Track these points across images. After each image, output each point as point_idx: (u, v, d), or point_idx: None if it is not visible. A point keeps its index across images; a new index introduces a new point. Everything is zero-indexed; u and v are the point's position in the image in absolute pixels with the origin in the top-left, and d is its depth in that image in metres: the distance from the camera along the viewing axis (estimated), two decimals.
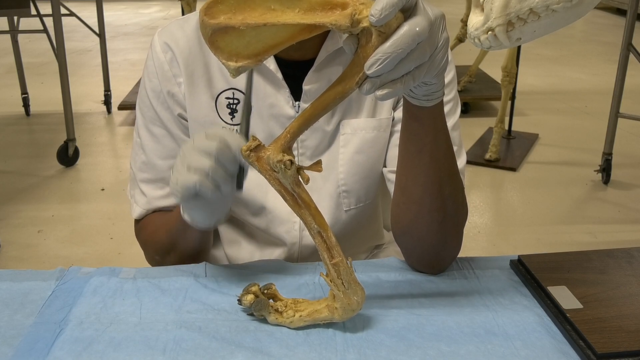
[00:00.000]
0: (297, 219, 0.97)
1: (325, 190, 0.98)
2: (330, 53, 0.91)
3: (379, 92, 0.65)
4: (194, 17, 0.97)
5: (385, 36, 0.62)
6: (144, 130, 0.98)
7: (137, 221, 1.03)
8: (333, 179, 0.97)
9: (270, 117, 0.95)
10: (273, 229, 0.99)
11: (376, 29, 0.62)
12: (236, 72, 0.66)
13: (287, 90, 0.93)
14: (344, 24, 0.62)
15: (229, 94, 0.95)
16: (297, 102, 0.94)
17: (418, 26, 0.62)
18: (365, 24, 0.62)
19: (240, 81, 0.93)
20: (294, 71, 0.93)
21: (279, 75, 0.92)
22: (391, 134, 0.99)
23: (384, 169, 0.99)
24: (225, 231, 1.06)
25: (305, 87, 0.93)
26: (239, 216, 1.01)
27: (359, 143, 0.96)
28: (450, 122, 0.92)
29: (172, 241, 0.94)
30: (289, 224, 0.98)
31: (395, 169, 0.94)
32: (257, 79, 0.93)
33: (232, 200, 0.86)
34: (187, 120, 0.97)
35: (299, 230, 0.99)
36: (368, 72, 0.63)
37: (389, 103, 0.98)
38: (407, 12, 0.63)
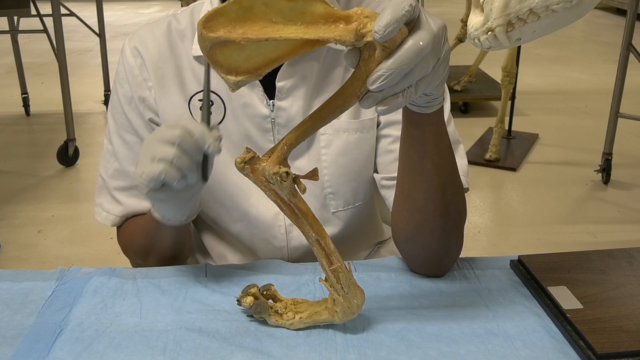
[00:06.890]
0: (282, 222, 0.97)
1: (308, 190, 0.97)
2: None
3: (381, 107, 0.63)
4: (163, 21, 0.97)
5: (389, 50, 0.60)
6: (117, 137, 0.97)
7: (117, 228, 1.02)
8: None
9: (245, 118, 0.93)
10: (259, 235, 0.98)
11: (380, 44, 0.60)
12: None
13: (261, 88, 0.92)
14: (348, 39, 0.60)
15: (202, 95, 0.94)
16: (271, 101, 0.93)
17: (422, 40, 0.60)
18: (369, 38, 0.60)
19: (213, 83, 0.91)
20: None
21: None
22: (379, 139, 0.97)
23: (376, 176, 0.97)
24: (212, 246, 1.04)
25: (279, 83, 0.92)
26: (222, 225, 0.99)
27: (342, 145, 0.95)
28: (444, 116, 0.91)
29: (149, 242, 0.93)
30: (274, 228, 0.97)
31: (387, 175, 0.93)
32: None
33: (200, 194, 0.84)
34: (159, 125, 0.95)
35: (285, 234, 0.97)
36: (371, 88, 0.61)
37: None
38: (411, 24, 0.61)
